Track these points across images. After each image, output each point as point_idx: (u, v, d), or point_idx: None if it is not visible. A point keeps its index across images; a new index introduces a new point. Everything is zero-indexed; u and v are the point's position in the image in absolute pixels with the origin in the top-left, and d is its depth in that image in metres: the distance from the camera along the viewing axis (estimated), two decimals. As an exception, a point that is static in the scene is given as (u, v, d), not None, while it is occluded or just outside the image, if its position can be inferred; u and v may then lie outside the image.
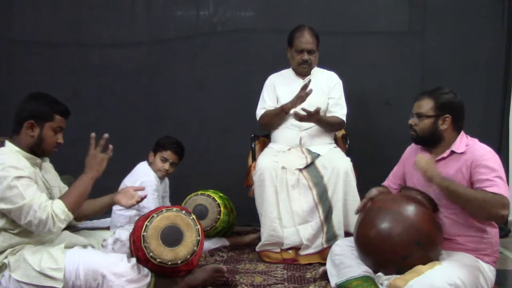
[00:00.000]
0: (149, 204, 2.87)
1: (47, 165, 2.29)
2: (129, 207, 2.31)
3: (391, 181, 2.48)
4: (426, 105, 2.19)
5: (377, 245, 2.05)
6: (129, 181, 2.99)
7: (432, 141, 2.21)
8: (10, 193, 1.96)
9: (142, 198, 2.28)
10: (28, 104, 2.13)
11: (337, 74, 3.15)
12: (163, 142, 3.01)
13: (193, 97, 3.87)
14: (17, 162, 2.03)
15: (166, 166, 3.00)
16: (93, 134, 2.16)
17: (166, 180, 3.18)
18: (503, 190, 1.99)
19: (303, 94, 2.85)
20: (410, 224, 2.03)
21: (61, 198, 2.09)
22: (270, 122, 3.09)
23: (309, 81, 2.85)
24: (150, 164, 3.04)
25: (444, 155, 2.18)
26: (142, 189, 2.34)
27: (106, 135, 2.15)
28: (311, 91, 2.83)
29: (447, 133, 2.18)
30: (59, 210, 2.02)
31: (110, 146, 2.17)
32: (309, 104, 2.86)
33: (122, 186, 2.99)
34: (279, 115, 3.01)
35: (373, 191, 2.32)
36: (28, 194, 1.98)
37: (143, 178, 2.95)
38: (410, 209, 2.07)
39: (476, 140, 2.18)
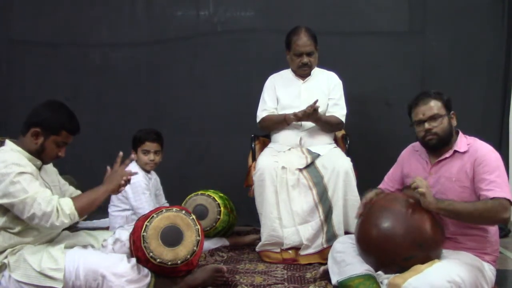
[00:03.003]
0: (143, 204, 2.86)
1: (47, 165, 2.29)
2: (118, 191, 2.25)
3: (387, 184, 2.46)
4: (436, 105, 2.17)
5: (379, 245, 2.04)
6: None
7: (449, 141, 2.18)
8: (13, 188, 1.97)
9: (129, 180, 2.24)
10: (42, 111, 2.12)
11: (337, 74, 3.15)
12: (138, 136, 3.00)
13: (193, 97, 3.87)
14: (19, 159, 2.04)
15: (151, 156, 2.99)
16: (121, 153, 2.21)
17: (156, 178, 3.16)
18: (505, 191, 1.99)
19: (309, 110, 2.82)
20: (412, 225, 2.02)
21: (71, 198, 2.10)
22: (270, 127, 3.09)
23: (316, 101, 2.82)
24: (137, 162, 3.03)
25: (447, 155, 2.18)
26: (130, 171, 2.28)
27: (132, 156, 2.25)
28: (318, 107, 2.83)
29: (454, 131, 2.20)
30: (66, 206, 2.03)
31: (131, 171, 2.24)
32: (309, 104, 2.85)
33: None
34: (280, 124, 3.02)
35: (370, 194, 2.31)
36: (31, 188, 1.99)
37: (131, 180, 2.93)
38: (413, 210, 2.06)
39: (476, 139, 2.19)
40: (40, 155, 2.13)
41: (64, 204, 2.03)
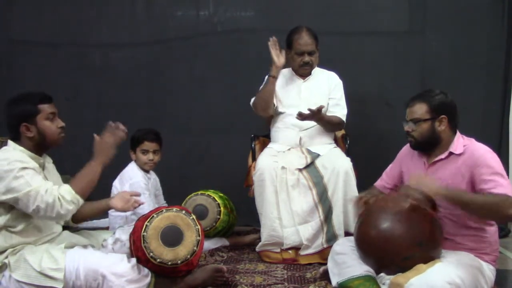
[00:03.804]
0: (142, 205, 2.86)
1: (50, 165, 2.30)
2: (124, 211, 2.32)
3: (385, 181, 2.47)
4: (420, 109, 2.18)
5: (378, 245, 2.04)
6: (118, 183, 2.99)
7: (431, 144, 2.19)
8: (17, 183, 1.98)
9: (139, 204, 2.30)
10: (11, 111, 2.13)
11: (337, 74, 3.15)
12: (137, 136, 2.99)
13: (193, 97, 3.87)
14: (21, 157, 2.05)
15: (150, 156, 2.99)
16: (110, 122, 2.20)
17: (156, 178, 3.15)
18: (508, 189, 1.99)
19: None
20: (411, 225, 2.01)
21: (68, 183, 2.11)
22: (261, 102, 3.02)
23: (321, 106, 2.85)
24: (135, 162, 3.02)
25: (442, 156, 2.17)
26: (138, 194, 2.36)
27: (114, 124, 2.21)
28: (322, 107, 2.84)
29: (444, 134, 2.17)
30: (66, 192, 2.04)
31: (123, 127, 2.20)
32: (309, 105, 2.86)
33: (113, 188, 3.00)
34: (267, 88, 2.98)
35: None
36: (34, 182, 2.00)
37: (130, 180, 2.94)
38: (411, 210, 2.06)
39: (472, 140, 2.18)
40: (45, 141, 2.13)
41: (63, 191, 2.04)
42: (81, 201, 2.08)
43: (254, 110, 3.11)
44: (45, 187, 2.01)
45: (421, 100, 2.19)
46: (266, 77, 3.02)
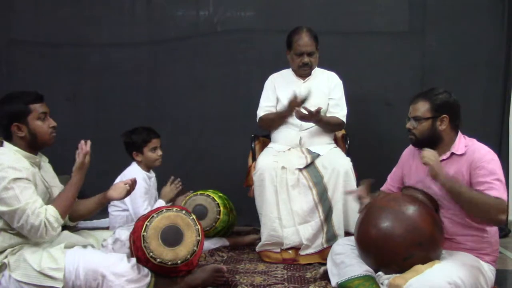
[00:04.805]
0: (139, 208, 2.85)
1: (46, 165, 2.29)
2: (122, 198, 2.31)
3: (390, 184, 2.47)
4: (422, 108, 2.18)
5: (378, 245, 2.04)
6: None
7: (431, 143, 2.19)
8: (6, 194, 1.97)
9: (133, 185, 2.30)
10: (2, 110, 2.12)
11: (337, 74, 3.15)
12: (143, 137, 2.96)
13: (193, 97, 3.87)
14: (16, 162, 2.03)
15: (159, 152, 2.99)
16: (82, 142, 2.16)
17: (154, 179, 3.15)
18: (502, 193, 2.00)
19: (297, 102, 2.85)
20: (412, 224, 2.02)
21: (53, 204, 2.09)
22: (270, 125, 3.11)
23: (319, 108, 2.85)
24: (139, 163, 3.00)
25: (444, 156, 2.17)
26: (134, 181, 2.34)
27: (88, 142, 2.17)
28: (321, 108, 2.83)
29: (445, 134, 2.17)
30: (53, 217, 2.03)
31: (88, 142, 2.16)
32: (310, 105, 2.86)
33: None
34: (277, 121, 3.03)
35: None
36: (24, 198, 1.98)
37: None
38: (412, 209, 2.06)
39: (474, 140, 2.18)
40: (36, 141, 2.12)
41: (50, 216, 2.02)
42: (62, 222, 2.08)
43: (258, 124, 3.13)
44: (32, 207, 1.99)
45: (424, 98, 2.20)
46: (278, 113, 3.04)
